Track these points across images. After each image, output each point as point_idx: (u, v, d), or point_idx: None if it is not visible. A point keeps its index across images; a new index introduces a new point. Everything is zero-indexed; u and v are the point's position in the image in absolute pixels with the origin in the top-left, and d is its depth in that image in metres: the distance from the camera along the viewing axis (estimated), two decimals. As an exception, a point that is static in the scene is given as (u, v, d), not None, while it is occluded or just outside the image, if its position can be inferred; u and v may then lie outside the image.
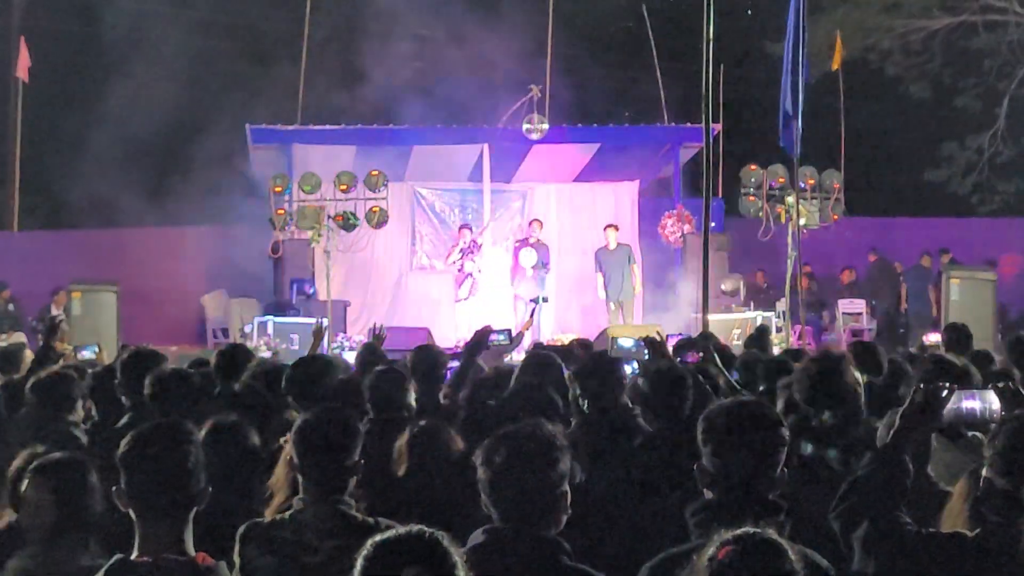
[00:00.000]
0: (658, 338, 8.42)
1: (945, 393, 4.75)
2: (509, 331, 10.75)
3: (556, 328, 24.02)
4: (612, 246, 23.69)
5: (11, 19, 33.70)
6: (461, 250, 23.95)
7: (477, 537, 4.37)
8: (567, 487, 4.44)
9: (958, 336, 11.33)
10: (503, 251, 25.10)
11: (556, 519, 4.42)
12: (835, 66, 26.71)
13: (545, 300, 21.52)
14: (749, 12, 27.77)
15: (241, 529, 5.12)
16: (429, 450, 6.37)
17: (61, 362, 10.33)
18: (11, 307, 23.77)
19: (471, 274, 23.90)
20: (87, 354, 11.97)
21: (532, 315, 19.21)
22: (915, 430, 4.71)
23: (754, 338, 12.88)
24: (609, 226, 24.09)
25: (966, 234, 27.73)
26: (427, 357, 8.91)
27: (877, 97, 34.14)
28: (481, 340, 9.22)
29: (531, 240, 23.76)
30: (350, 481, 5.17)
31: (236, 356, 8.91)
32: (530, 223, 24.28)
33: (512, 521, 4.36)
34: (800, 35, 19.17)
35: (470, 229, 24.46)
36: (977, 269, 21.89)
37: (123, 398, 8.07)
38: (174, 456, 4.48)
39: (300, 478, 5.16)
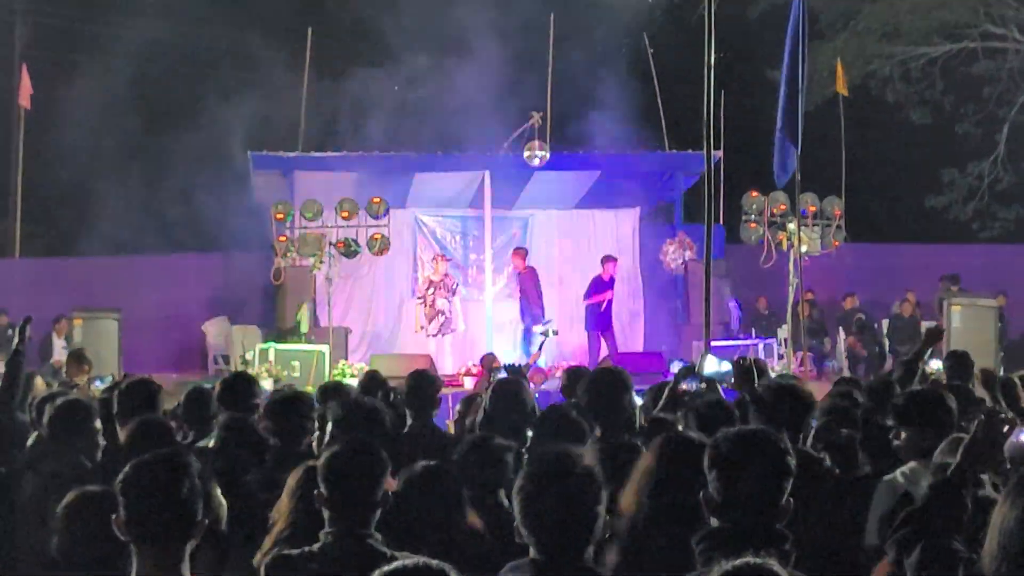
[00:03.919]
0: (745, 363, 8.31)
1: (1007, 428, 4.71)
2: (514, 364, 10.72)
3: (558, 356, 24.00)
4: (605, 278, 23.67)
5: (13, 47, 33.79)
6: (431, 283, 23.80)
7: (522, 568, 4.36)
8: (603, 514, 4.43)
9: (959, 363, 11.29)
10: (504, 279, 25.08)
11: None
12: (841, 91, 26.72)
13: (556, 333, 21.45)
14: (723, 55, 27.78)
15: (267, 560, 5.15)
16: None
17: (75, 392, 10.29)
18: (10, 332, 23.74)
19: (443, 311, 23.64)
20: (101, 385, 11.95)
21: (540, 347, 19.23)
22: (977, 464, 4.65)
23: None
24: (611, 259, 23.99)
25: (967, 260, 27.67)
26: (421, 383, 8.92)
27: (878, 124, 34.16)
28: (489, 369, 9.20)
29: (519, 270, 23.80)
30: (376, 514, 5.17)
31: (239, 385, 8.84)
32: (513, 254, 24.24)
33: (550, 551, 4.35)
34: (799, 63, 19.18)
35: (447, 260, 24.38)
36: (979, 296, 21.87)
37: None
38: (172, 485, 4.47)
39: (327, 511, 5.16)
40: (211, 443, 7.71)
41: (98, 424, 7.84)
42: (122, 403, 8.42)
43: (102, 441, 7.84)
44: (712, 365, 8.66)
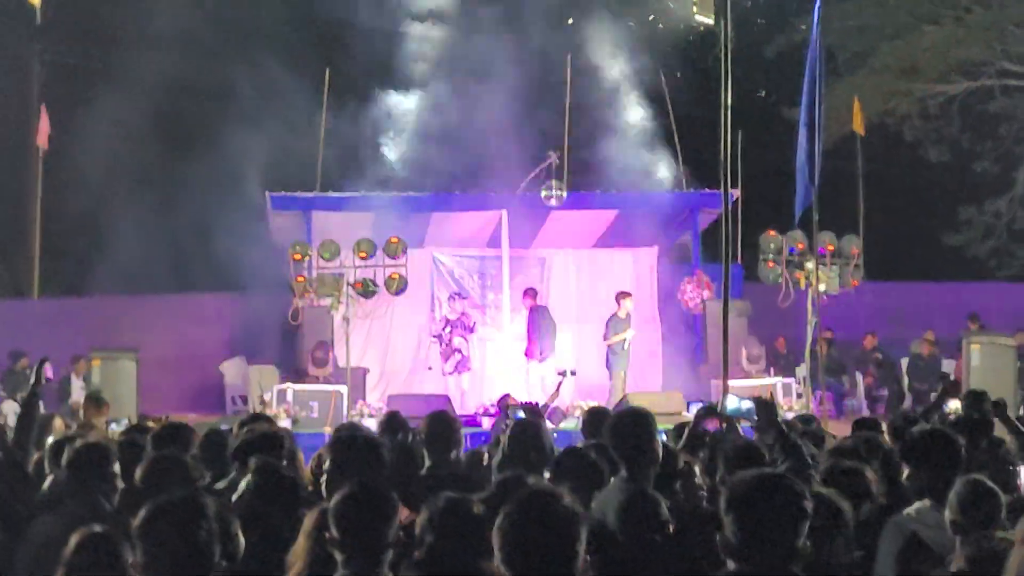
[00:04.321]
0: (768, 399, 8.32)
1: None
2: (528, 404, 10.71)
3: (576, 396, 23.92)
4: (621, 315, 23.56)
5: (31, 87, 33.96)
6: (448, 321, 23.89)
7: None
8: (583, 552, 4.41)
9: (978, 403, 11.25)
10: (522, 318, 25.01)
11: None
12: (858, 130, 26.72)
13: (573, 373, 21.40)
14: (763, 93, 27.80)
15: None
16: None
17: (93, 434, 10.29)
18: (28, 373, 23.75)
19: (460, 350, 23.73)
20: (115, 428, 11.97)
21: (558, 388, 19.19)
22: None
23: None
24: (626, 294, 23.93)
25: (985, 298, 27.62)
26: (439, 424, 8.89)
27: (895, 162, 34.15)
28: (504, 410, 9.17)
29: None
30: (388, 555, 5.16)
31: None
32: (524, 294, 24.30)
33: None
34: (816, 102, 19.16)
35: (462, 299, 24.46)
36: (998, 335, 21.79)
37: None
38: (189, 528, 4.47)
39: (338, 553, 5.15)
40: (233, 485, 7.68)
41: (116, 467, 7.84)
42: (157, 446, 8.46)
43: (120, 484, 7.84)
44: (733, 402, 8.71)
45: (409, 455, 8.74)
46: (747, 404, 8.64)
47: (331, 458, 7.16)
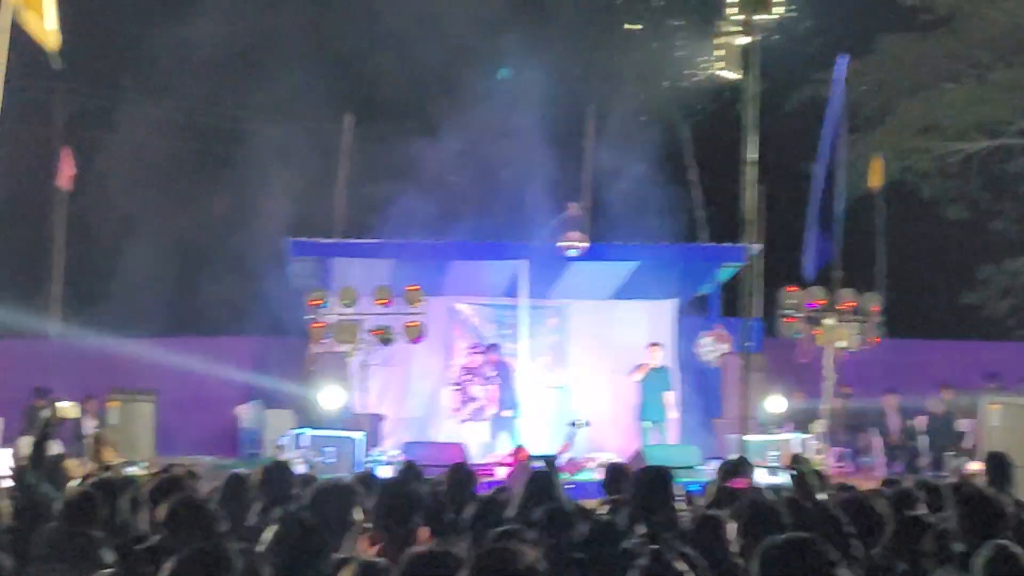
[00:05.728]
0: (806, 469, 8.04)
1: None
2: (548, 456, 10.72)
3: (591, 447, 23.84)
4: (655, 364, 23.54)
5: (54, 129, 34.12)
6: (468, 369, 23.97)
7: None
8: None
9: (999, 465, 11.21)
10: (540, 368, 25.01)
11: None
12: (875, 185, 26.68)
13: (587, 424, 21.33)
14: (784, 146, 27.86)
15: None
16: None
17: (110, 474, 10.35)
18: (42, 413, 23.73)
19: (476, 398, 23.80)
20: (135, 470, 12.07)
21: (571, 439, 19.15)
22: None
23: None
24: (655, 344, 23.94)
25: (1001, 358, 27.49)
26: (459, 478, 8.86)
27: (913, 219, 34.08)
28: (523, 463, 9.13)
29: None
30: None
31: (277, 475, 8.79)
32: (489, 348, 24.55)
33: None
34: (837, 157, 19.18)
35: (489, 350, 24.57)
36: (1017, 395, 21.68)
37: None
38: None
39: None
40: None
41: (102, 513, 7.88)
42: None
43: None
44: (764, 476, 8.64)
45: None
46: (782, 478, 8.56)
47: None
